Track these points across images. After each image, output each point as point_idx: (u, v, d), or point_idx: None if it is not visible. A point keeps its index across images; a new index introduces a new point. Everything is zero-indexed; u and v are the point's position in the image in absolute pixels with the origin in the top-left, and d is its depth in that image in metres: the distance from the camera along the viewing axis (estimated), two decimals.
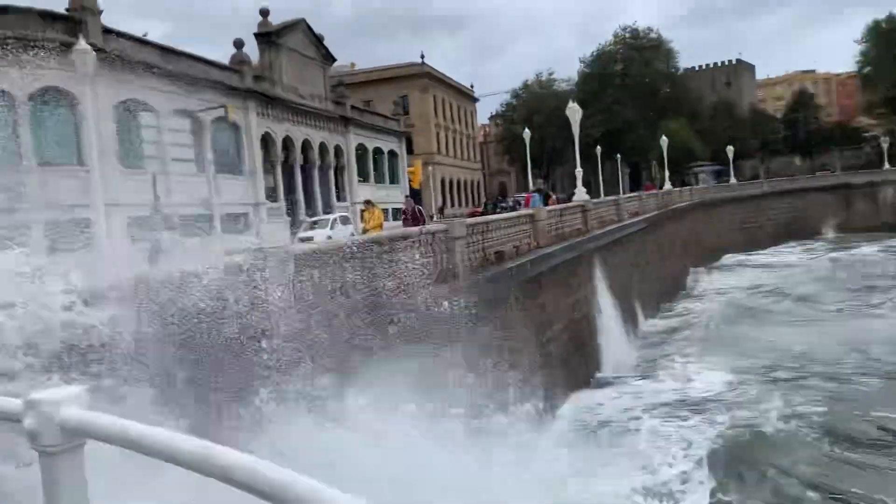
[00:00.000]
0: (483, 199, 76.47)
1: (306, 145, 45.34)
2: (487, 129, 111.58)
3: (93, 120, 21.82)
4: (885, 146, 73.64)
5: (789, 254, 52.28)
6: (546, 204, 21.95)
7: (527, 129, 51.96)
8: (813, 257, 48.77)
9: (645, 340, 25.56)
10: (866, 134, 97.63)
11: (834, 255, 47.36)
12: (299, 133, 44.41)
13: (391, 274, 11.58)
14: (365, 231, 20.39)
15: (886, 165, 69.64)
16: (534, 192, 24.57)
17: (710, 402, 17.22)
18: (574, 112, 28.48)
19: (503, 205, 55.47)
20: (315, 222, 36.80)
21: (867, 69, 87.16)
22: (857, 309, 29.22)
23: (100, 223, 17.48)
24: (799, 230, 60.21)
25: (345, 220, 37.81)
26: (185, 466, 1.69)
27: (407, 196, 24.99)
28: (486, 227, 16.09)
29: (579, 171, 28.78)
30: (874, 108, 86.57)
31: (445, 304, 12.23)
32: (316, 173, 46.72)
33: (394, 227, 22.29)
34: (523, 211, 19.78)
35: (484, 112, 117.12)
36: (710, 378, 19.41)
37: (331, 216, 38.08)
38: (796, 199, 63.36)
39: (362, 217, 26.47)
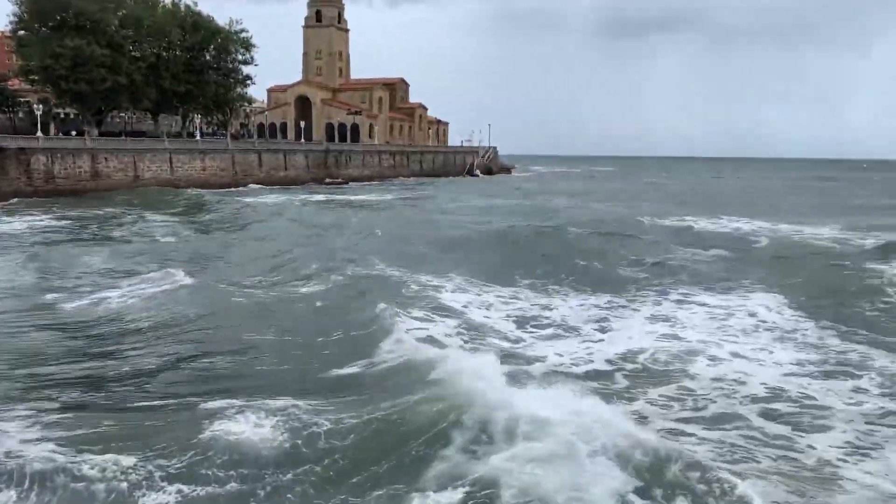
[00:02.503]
0: None
1: None
2: None
3: None
4: (38, 113, 73.85)
5: None
6: None
7: None
8: None
9: None
10: (22, 99, 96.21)
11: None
12: None
13: None
14: None
15: (40, 133, 69.52)
16: None
17: None
18: None
19: None
20: None
21: (22, 32, 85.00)
22: None
23: None
24: None
25: None
26: None
27: None
28: None
29: None
30: (30, 74, 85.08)
31: None
32: None
33: None
34: None
35: None
36: None
37: None
38: None
39: None
